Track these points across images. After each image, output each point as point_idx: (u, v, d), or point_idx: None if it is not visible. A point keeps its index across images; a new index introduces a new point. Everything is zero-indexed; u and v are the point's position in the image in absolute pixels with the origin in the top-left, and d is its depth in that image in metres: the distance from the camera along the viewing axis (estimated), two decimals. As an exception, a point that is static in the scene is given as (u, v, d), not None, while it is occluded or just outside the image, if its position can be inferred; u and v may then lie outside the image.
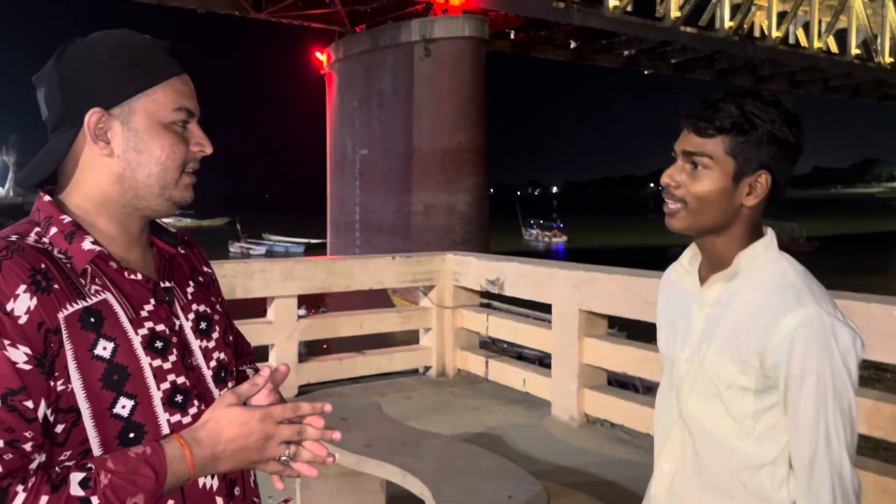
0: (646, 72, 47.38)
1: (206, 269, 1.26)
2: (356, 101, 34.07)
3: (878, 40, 48.58)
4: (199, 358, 1.11)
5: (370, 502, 3.24)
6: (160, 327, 1.06)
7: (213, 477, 1.07)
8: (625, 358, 4.47)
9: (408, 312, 6.09)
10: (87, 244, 1.02)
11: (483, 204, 31.29)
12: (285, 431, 1.03)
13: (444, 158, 30.37)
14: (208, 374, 1.12)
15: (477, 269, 5.62)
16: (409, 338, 6.21)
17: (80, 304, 0.98)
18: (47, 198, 1.06)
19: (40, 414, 0.93)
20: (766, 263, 1.28)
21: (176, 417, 1.03)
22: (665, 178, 1.31)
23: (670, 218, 1.31)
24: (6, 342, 0.91)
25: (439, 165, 30.43)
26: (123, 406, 0.99)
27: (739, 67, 45.43)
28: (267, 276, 5.14)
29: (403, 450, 2.91)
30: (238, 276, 5.00)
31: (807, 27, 45.63)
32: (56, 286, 0.97)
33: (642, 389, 8.69)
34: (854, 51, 47.27)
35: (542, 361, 7.72)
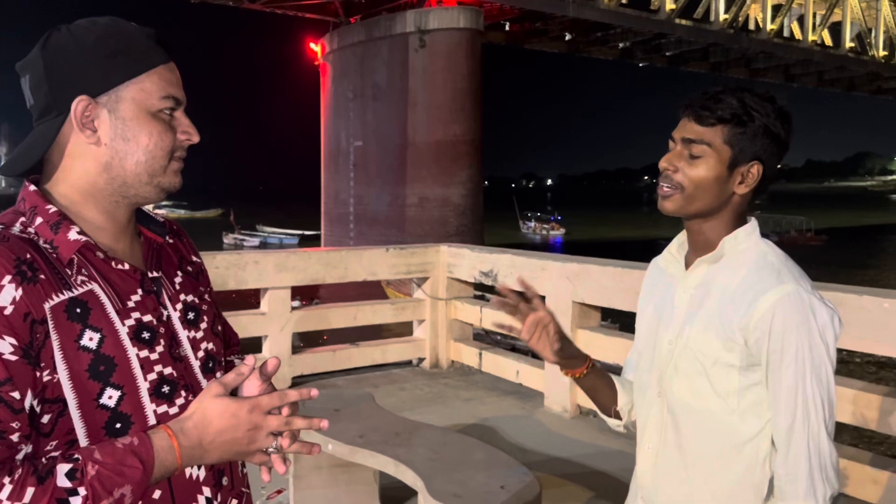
0: (640, 64, 47.39)
1: (194, 258, 1.25)
2: (351, 93, 33.97)
3: (873, 34, 48.66)
4: (187, 348, 1.10)
5: (363, 493, 3.25)
6: (147, 318, 1.05)
7: (200, 467, 1.06)
8: (617, 349, 4.48)
9: (402, 304, 6.10)
10: (72, 234, 1.01)
11: (478, 196, 31.30)
12: (273, 422, 1.03)
13: (439, 150, 30.34)
14: (196, 364, 1.11)
15: (471, 261, 5.62)
16: (403, 329, 6.21)
17: (67, 295, 0.97)
18: (32, 187, 1.05)
19: (27, 405, 0.92)
20: (748, 248, 1.35)
21: (163, 408, 1.03)
22: (663, 163, 1.36)
23: (664, 200, 1.36)
24: None
25: (434, 157, 30.40)
26: (110, 396, 0.98)
27: (734, 60, 45.49)
28: (260, 268, 5.13)
29: (396, 441, 2.92)
30: (231, 267, 4.99)
31: (801, 20, 45.68)
32: (42, 276, 0.96)
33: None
34: (848, 44, 47.35)
35: (534, 353, 7.73)
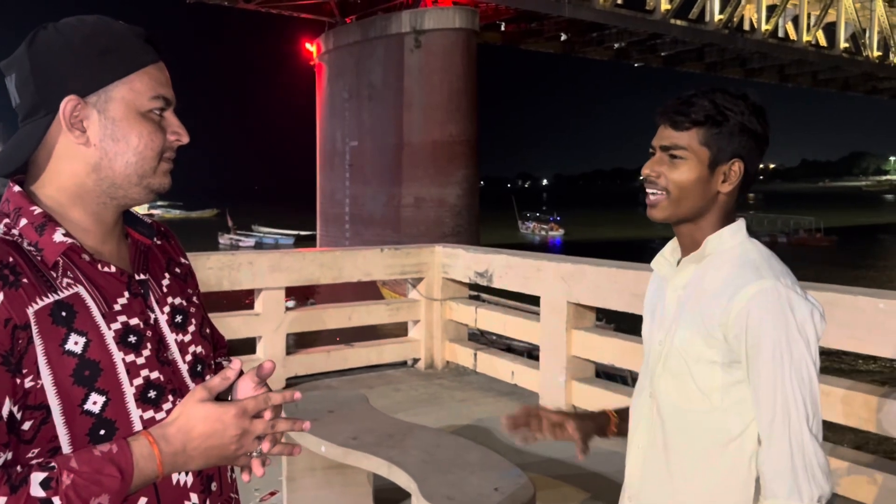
0: (636, 64, 47.47)
1: (182, 260, 1.23)
2: (346, 93, 33.94)
3: (867, 34, 48.86)
4: (175, 352, 1.09)
5: (357, 495, 3.24)
6: (134, 321, 1.03)
7: (187, 473, 1.05)
8: (612, 350, 4.48)
9: (396, 304, 6.08)
10: (58, 236, 0.99)
11: (473, 196, 31.30)
12: (259, 426, 1.02)
13: (435, 151, 30.34)
14: (184, 368, 1.09)
15: (466, 262, 5.61)
16: (398, 330, 6.20)
17: (51, 298, 0.95)
18: (17, 188, 1.03)
19: (5, 412, 0.91)
20: (733, 247, 1.36)
21: (149, 413, 1.01)
22: (646, 170, 1.38)
23: (652, 209, 1.39)
24: None
25: (430, 158, 30.40)
26: (95, 402, 0.96)
27: (729, 60, 45.63)
28: (255, 268, 5.11)
29: (390, 442, 2.90)
30: (225, 267, 4.97)
31: (796, 21, 45.83)
32: (25, 280, 0.94)
33: (632, 382, 8.73)
34: (843, 45, 47.54)
35: (530, 354, 7.73)
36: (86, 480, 0.89)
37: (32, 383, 0.92)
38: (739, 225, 1.38)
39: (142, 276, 1.09)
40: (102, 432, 0.96)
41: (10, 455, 0.92)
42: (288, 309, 5.35)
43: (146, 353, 1.03)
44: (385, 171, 31.77)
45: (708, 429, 1.33)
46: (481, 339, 7.24)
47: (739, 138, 1.32)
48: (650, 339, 1.47)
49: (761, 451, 1.28)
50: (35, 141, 1.02)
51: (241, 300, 5.30)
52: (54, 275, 0.97)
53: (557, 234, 55.41)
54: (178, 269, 1.19)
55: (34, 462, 0.91)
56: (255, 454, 1.04)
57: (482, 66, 33.50)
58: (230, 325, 4.96)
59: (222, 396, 1.04)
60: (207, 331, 1.19)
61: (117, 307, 1.02)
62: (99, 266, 1.03)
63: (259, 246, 41.31)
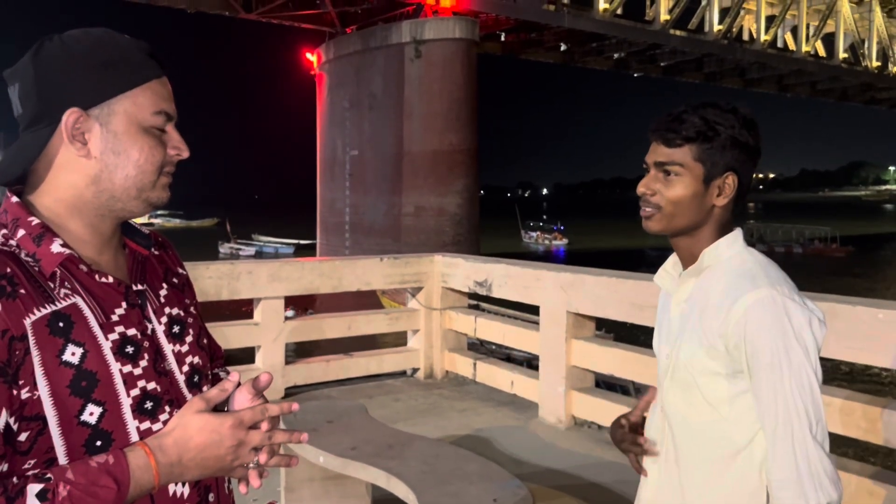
0: (635, 74, 47.60)
1: (180, 270, 1.23)
2: (347, 102, 34.02)
3: (866, 45, 49.04)
4: (172, 362, 1.08)
5: (355, 506, 3.22)
6: (131, 331, 1.03)
7: (183, 484, 1.04)
8: (612, 360, 4.47)
9: (396, 314, 6.08)
10: (55, 247, 0.99)
11: (473, 206, 31.32)
12: (256, 437, 1.01)
13: (435, 160, 30.38)
14: (181, 378, 1.09)
15: (465, 271, 5.60)
16: (398, 339, 6.19)
17: (49, 309, 0.95)
18: (15, 199, 1.03)
19: (1, 423, 0.90)
20: (730, 258, 1.37)
21: (146, 424, 1.01)
22: (641, 189, 1.40)
23: (647, 221, 1.40)
24: None
25: (430, 167, 30.43)
26: (91, 413, 0.96)
27: (728, 70, 45.78)
28: (254, 278, 5.11)
29: (389, 453, 2.89)
30: (224, 277, 4.97)
31: (795, 31, 46.02)
32: (22, 291, 0.94)
33: (634, 392, 8.71)
34: (841, 55, 47.70)
35: (530, 363, 7.72)
36: (82, 492, 0.89)
37: (29, 394, 0.92)
38: (736, 235, 1.39)
39: (139, 287, 1.09)
40: (99, 443, 0.96)
41: (6, 466, 0.91)
42: (287, 318, 5.34)
43: (143, 363, 1.03)
44: (385, 180, 31.81)
45: (717, 440, 1.34)
46: (481, 348, 7.24)
47: (731, 152, 1.34)
48: (659, 353, 1.49)
49: (767, 460, 1.29)
50: (35, 151, 1.02)
51: (240, 308, 5.28)
52: (52, 285, 0.98)
53: (561, 243, 55.04)
54: (175, 280, 1.19)
55: (30, 473, 0.91)
56: (252, 466, 1.04)
57: (482, 76, 33.61)
58: (229, 334, 4.96)
59: (219, 408, 1.04)
60: (205, 341, 1.19)
61: (115, 317, 1.02)
62: (96, 276, 1.03)
63: (259, 255, 41.34)
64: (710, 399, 1.33)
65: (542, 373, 4.84)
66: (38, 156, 1.03)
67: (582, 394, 4.60)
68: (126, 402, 0.99)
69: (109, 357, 0.99)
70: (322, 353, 5.84)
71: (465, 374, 5.65)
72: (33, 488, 0.88)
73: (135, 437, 0.99)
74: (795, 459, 1.23)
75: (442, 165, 30.31)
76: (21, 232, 1.00)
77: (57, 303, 0.97)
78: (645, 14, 39.82)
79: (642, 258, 33.55)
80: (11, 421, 0.92)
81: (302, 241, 46.22)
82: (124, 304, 1.04)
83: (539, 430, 4.61)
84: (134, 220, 1.14)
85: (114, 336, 1.00)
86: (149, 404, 1.02)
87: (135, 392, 1.00)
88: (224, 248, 45.39)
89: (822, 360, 1.30)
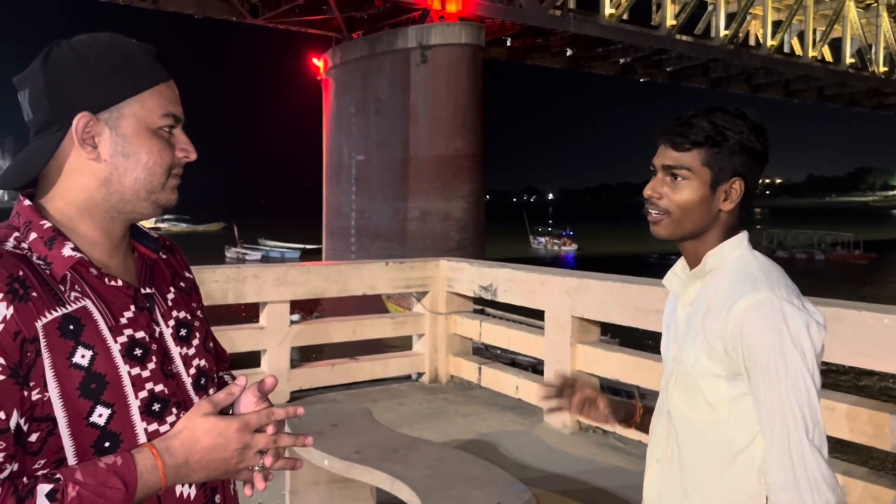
0: (641, 80, 47.55)
1: (187, 274, 1.25)
2: (353, 107, 34.09)
3: (873, 50, 48.87)
4: (179, 365, 1.10)
5: (360, 509, 3.23)
6: (140, 334, 1.05)
7: (190, 485, 1.06)
8: (617, 365, 4.46)
9: (401, 318, 6.08)
10: (66, 250, 1.01)
11: (479, 210, 31.31)
12: (261, 441, 1.03)
13: (441, 165, 30.40)
14: (188, 381, 1.11)
15: (470, 276, 5.61)
16: (403, 344, 6.20)
17: (60, 312, 0.97)
18: (27, 202, 1.05)
19: (12, 424, 0.92)
20: (733, 260, 1.37)
21: (153, 426, 1.02)
22: (648, 192, 1.41)
23: (655, 226, 1.41)
24: None
25: (436, 172, 30.45)
26: (100, 415, 0.98)
27: (735, 76, 45.69)
28: (260, 282, 5.12)
29: (394, 456, 2.90)
30: (231, 281, 4.99)
31: (802, 36, 45.91)
32: (34, 294, 0.96)
33: (639, 397, 8.67)
34: (849, 60, 47.55)
35: (535, 368, 7.71)
36: (90, 492, 0.91)
37: (39, 395, 0.94)
38: (740, 238, 1.40)
39: (148, 290, 1.11)
40: (107, 444, 0.98)
41: (16, 466, 0.93)
42: (293, 322, 5.36)
43: (151, 366, 1.04)
44: (391, 185, 31.83)
45: (717, 442, 1.35)
46: (486, 353, 7.23)
47: (739, 157, 1.35)
48: (666, 355, 1.51)
49: (765, 463, 1.29)
50: (46, 155, 1.04)
51: (241, 313, 5.30)
52: (62, 288, 0.99)
53: (570, 249, 53.93)
54: (182, 284, 1.21)
55: (40, 473, 0.93)
56: (257, 468, 1.05)
57: (488, 81, 33.65)
58: (235, 338, 4.98)
59: (224, 411, 1.05)
60: (211, 344, 1.21)
61: (123, 320, 1.03)
62: (106, 280, 1.04)
63: (265, 259, 41.42)
64: (711, 401, 1.35)
65: (547, 378, 4.84)
66: (49, 160, 1.04)
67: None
68: (134, 404, 1.01)
69: (118, 359, 1.00)
70: (327, 357, 5.85)
71: (470, 378, 5.65)
72: (43, 488, 0.89)
73: (143, 438, 1.01)
74: (792, 463, 1.24)
75: (447, 170, 30.32)
76: (33, 235, 1.01)
77: (67, 306, 0.98)
78: (651, 19, 39.80)
79: (653, 264, 33.25)
80: (22, 422, 0.93)
81: (308, 246, 46.26)
82: (133, 308, 1.06)
83: (544, 434, 4.61)
84: (142, 224, 1.16)
85: (122, 339, 1.02)
86: (156, 406, 1.03)
87: (143, 394, 1.02)
88: (230, 253, 45.50)
89: (828, 364, 1.30)
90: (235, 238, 48.07)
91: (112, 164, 1.04)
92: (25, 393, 0.93)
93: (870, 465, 5.37)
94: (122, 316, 1.03)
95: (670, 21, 38.21)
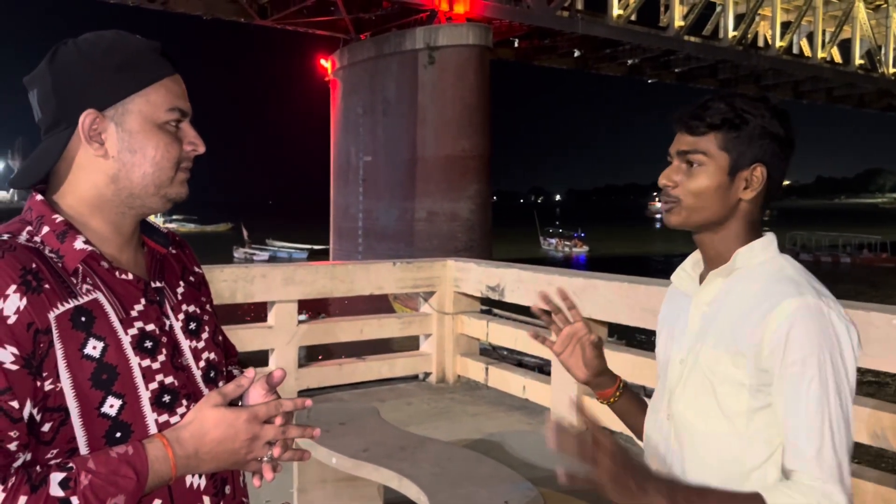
0: (649, 81, 47.45)
1: (196, 269, 1.26)
2: (360, 108, 34.15)
3: (882, 51, 48.62)
4: (189, 358, 1.11)
5: (367, 508, 3.24)
6: (150, 327, 1.06)
7: (200, 476, 1.07)
8: (624, 365, 4.45)
9: (408, 318, 6.09)
10: (78, 243, 1.02)
11: (486, 211, 31.31)
12: (270, 432, 1.04)
13: (448, 165, 30.41)
14: (198, 373, 1.12)
15: (477, 276, 5.62)
16: (410, 344, 6.21)
17: (72, 303, 0.98)
18: (39, 197, 1.07)
19: (26, 414, 0.93)
20: (764, 262, 1.27)
21: (164, 417, 1.04)
22: (662, 180, 1.31)
23: (667, 214, 1.31)
24: None
25: (443, 172, 30.46)
26: (111, 405, 0.99)
27: (743, 76, 45.49)
28: (268, 281, 5.14)
29: (401, 455, 2.90)
30: (239, 280, 5.01)
31: (811, 37, 45.70)
32: (47, 286, 0.97)
33: (646, 397, 8.66)
34: (858, 61, 47.31)
35: (541, 368, 7.72)
36: (103, 481, 0.92)
37: (52, 386, 0.95)
38: (770, 239, 1.30)
39: (157, 284, 1.12)
40: (119, 435, 0.99)
41: (29, 455, 0.94)
42: (300, 322, 5.38)
43: (161, 358, 1.05)
44: (398, 185, 31.88)
45: (730, 456, 1.23)
46: (493, 353, 7.24)
47: (760, 142, 1.25)
48: (666, 358, 1.39)
49: (800, 483, 1.14)
50: (56, 154, 1.05)
51: (250, 312, 5.33)
52: (74, 281, 1.00)
53: (582, 250, 53.06)
54: (192, 278, 1.22)
55: (53, 463, 0.94)
56: (265, 459, 1.06)
57: (495, 82, 33.66)
58: (243, 336, 4.99)
59: (234, 403, 1.06)
60: (220, 338, 1.22)
61: (134, 313, 1.05)
62: (117, 273, 1.06)
63: (273, 259, 41.53)
64: (726, 411, 1.23)
65: (554, 378, 4.84)
66: (58, 158, 1.06)
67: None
68: (145, 396, 1.02)
69: (129, 351, 1.01)
70: (335, 357, 5.87)
71: (477, 378, 5.66)
72: (56, 476, 0.91)
73: (153, 429, 1.02)
74: (822, 463, 1.14)
75: (455, 171, 30.34)
76: (45, 229, 1.03)
77: (79, 298, 0.99)
78: (659, 20, 39.73)
79: (665, 265, 32.89)
80: (35, 412, 0.94)
81: (315, 246, 46.38)
82: (143, 301, 1.07)
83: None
84: (152, 220, 1.18)
85: (133, 331, 1.03)
86: (167, 398, 1.04)
87: (153, 385, 1.03)
88: (238, 253, 45.66)
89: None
90: (244, 238, 48.24)
91: (120, 161, 1.05)
92: (38, 383, 0.94)
93: (882, 467, 5.34)
94: (133, 309, 1.05)
95: (678, 22, 38.12)
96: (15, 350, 0.92)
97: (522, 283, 5.20)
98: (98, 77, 1.04)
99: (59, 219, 1.04)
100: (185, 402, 1.07)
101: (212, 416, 1.01)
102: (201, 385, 1.11)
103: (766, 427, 1.21)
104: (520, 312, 10.67)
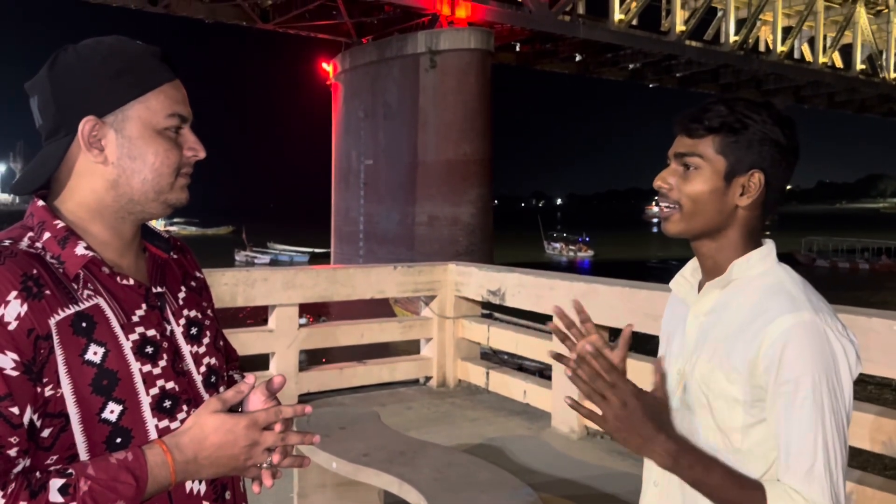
0: (651, 85, 47.50)
1: (198, 274, 1.26)
2: (362, 112, 34.19)
3: (884, 56, 48.65)
4: (190, 363, 1.11)
5: (367, 512, 3.23)
6: (151, 332, 1.06)
7: (200, 481, 1.07)
8: (628, 370, 4.45)
9: (409, 322, 6.09)
10: (79, 249, 1.02)
11: (487, 215, 31.32)
12: (269, 438, 1.04)
13: (449, 170, 30.44)
14: (199, 379, 1.12)
15: (478, 280, 5.61)
16: (411, 348, 6.20)
17: (73, 309, 0.98)
18: (41, 203, 1.07)
19: (26, 420, 0.93)
20: (762, 273, 1.25)
21: (164, 423, 1.04)
22: (658, 182, 1.29)
23: (666, 222, 1.29)
24: None
25: (444, 177, 30.49)
26: (112, 411, 0.99)
27: (744, 81, 45.52)
28: (269, 285, 5.14)
29: (401, 459, 2.90)
30: (240, 283, 5.01)
31: (812, 42, 45.77)
32: (48, 292, 0.97)
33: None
34: (859, 66, 47.33)
35: (542, 373, 7.70)
36: (102, 487, 0.92)
37: (52, 392, 0.95)
38: (769, 248, 1.27)
39: (159, 289, 1.12)
40: (119, 440, 0.99)
41: (28, 461, 0.94)
42: (301, 326, 5.38)
43: (162, 363, 1.05)
44: (399, 189, 31.89)
45: None
46: (493, 357, 7.23)
47: (760, 148, 1.22)
48: (666, 366, 1.36)
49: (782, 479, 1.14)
50: (56, 160, 1.06)
51: (250, 317, 5.33)
52: (75, 286, 1.00)
53: (586, 255, 52.43)
54: (193, 283, 1.22)
55: (52, 468, 0.94)
56: (265, 466, 1.06)
57: (496, 86, 33.71)
58: (244, 340, 4.99)
59: (233, 409, 1.06)
60: (221, 343, 1.22)
61: (135, 319, 1.05)
62: (118, 279, 1.06)
63: (274, 263, 41.51)
64: (722, 426, 1.21)
65: (554, 382, 4.83)
66: (59, 164, 1.06)
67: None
68: (145, 401, 1.02)
69: (130, 357, 1.01)
70: (335, 361, 5.86)
71: (478, 383, 5.65)
72: (56, 482, 0.91)
73: (154, 434, 1.02)
74: (819, 483, 1.12)
75: (456, 175, 30.35)
76: (46, 235, 1.03)
77: (80, 303, 0.99)
78: (661, 25, 39.79)
79: (671, 271, 32.65)
80: (35, 417, 0.94)
81: (316, 250, 46.41)
82: (144, 306, 1.07)
83: (551, 439, 4.60)
84: (152, 224, 1.17)
85: (134, 336, 1.03)
86: (167, 403, 1.04)
87: (154, 391, 1.03)
88: (240, 256, 45.68)
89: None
90: (245, 241, 48.28)
91: (119, 167, 1.05)
92: (39, 389, 0.94)
93: (886, 474, 5.33)
94: (134, 314, 1.05)
95: (680, 27, 38.17)
96: (15, 356, 0.92)
97: (523, 288, 5.20)
98: (97, 84, 1.04)
99: (61, 224, 1.04)
100: (185, 408, 1.07)
101: (211, 421, 1.01)
102: (202, 390, 1.11)
103: (762, 442, 1.19)
104: (521, 316, 10.67)
